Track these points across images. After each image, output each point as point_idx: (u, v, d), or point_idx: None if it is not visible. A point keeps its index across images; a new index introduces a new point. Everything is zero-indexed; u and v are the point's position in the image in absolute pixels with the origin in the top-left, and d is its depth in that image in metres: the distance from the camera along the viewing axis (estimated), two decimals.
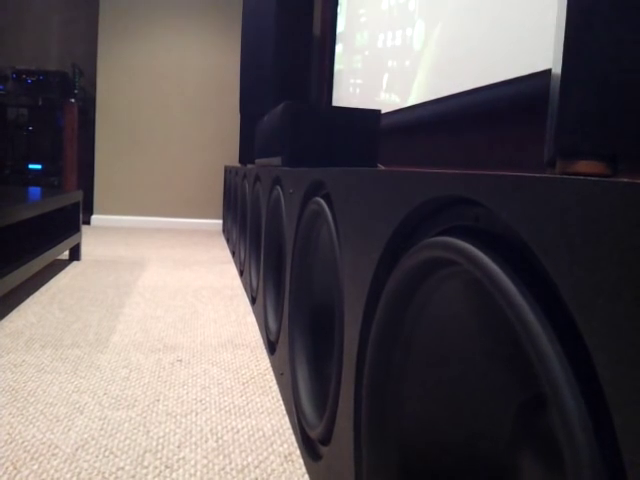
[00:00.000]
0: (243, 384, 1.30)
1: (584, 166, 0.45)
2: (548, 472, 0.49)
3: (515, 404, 0.54)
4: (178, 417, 1.11)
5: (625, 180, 0.29)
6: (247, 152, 3.54)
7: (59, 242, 2.25)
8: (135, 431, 1.04)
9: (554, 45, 0.50)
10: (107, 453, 0.96)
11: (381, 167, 1.59)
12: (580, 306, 0.32)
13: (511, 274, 0.38)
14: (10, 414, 1.08)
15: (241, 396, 1.24)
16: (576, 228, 0.33)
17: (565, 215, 0.34)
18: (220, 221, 4.44)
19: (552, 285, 0.34)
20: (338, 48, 3.11)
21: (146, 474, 0.91)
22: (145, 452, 0.97)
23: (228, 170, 3.73)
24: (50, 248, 2.10)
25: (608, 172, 0.45)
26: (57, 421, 1.06)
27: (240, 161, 3.72)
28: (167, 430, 1.06)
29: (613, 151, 0.44)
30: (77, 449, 0.97)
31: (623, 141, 0.44)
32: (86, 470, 0.90)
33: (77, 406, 1.13)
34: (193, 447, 1.00)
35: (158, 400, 1.18)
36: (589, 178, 0.32)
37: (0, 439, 0.98)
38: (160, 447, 0.99)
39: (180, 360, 1.43)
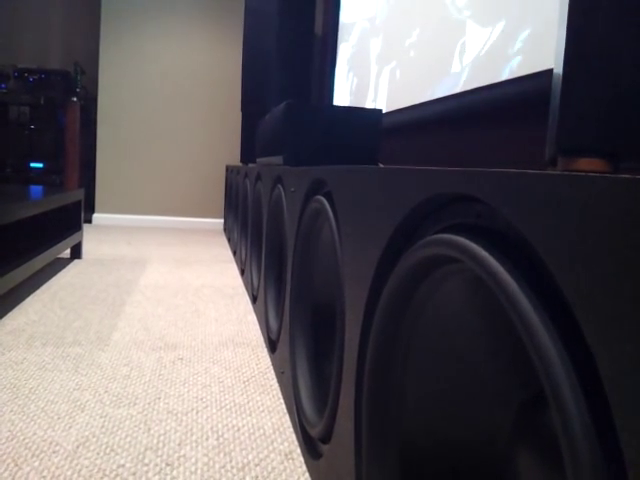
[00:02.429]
0: (244, 382, 1.31)
1: (585, 163, 0.45)
2: (550, 471, 0.49)
3: (517, 403, 0.54)
4: (179, 415, 1.11)
5: (626, 176, 0.29)
6: (248, 151, 3.54)
7: (60, 240, 2.26)
8: (136, 429, 1.04)
9: (556, 44, 0.50)
10: (108, 450, 0.96)
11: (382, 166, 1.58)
12: (581, 303, 0.32)
13: (512, 271, 0.38)
14: (11, 411, 1.08)
15: (242, 394, 1.24)
16: (577, 225, 0.33)
17: (566, 212, 0.34)
18: (221, 220, 4.44)
19: (553, 282, 0.34)
20: (340, 47, 3.11)
21: (147, 471, 0.91)
22: (146, 450, 0.97)
23: (229, 169, 3.73)
24: (51, 246, 2.11)
25: (609, 169, 0.45)
26: (58, 418, 1.06)
27: (241, 160, 3.72)
28: (168, 428, 1.06)
29: (614, 148, 0.44)
30: (78, 446, 0.97)
31: (624, 138, 0.44)
32: (87, 467, 0.91)
33: (78, 404, 1.13)
34: (194, 445, 1.00)
35: (159, 398, 1.18)
36: (590, 175, 0.32)
37: (1, 436, 0.98)
38: (161, 445, 0.99)
39: (181, 358, 1.43)
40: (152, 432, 1.04)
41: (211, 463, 0.95)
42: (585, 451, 0.30)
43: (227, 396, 1.22)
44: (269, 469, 0.95)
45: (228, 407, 1.17)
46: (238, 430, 1.07)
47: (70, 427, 1.03)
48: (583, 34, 0.47)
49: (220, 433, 1.05)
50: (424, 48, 1.86)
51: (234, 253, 3.03)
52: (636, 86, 0.45)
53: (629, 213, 0.29)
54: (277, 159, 1.62)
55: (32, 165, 4.01)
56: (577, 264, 0.32)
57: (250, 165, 2.90)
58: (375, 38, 2.42)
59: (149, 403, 1.16)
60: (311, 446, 0.96)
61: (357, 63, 2.73)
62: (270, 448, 1.02)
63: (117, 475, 0.89)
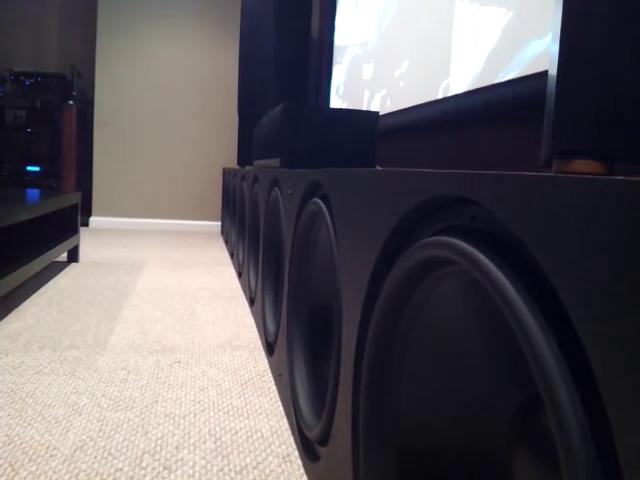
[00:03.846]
0: (241, 385, 1.30)
1: (580, 165, 0.45)
2: (547, 472, 0.49)
3: (514, 404, 0.54)
4: (176, 418, 1.11)
5: (621, 178, 0.29)
6: (245, 154, 3.54)
7: (57, 244, 2.25)
8: (133, 432, 1.04)
9: (551, 47, 0.50)
10: (105, 454, 0.96)
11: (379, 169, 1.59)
12: (577, 305, 0.32)
13: (508, 273, 0.38)
14: (8, 415, 1.08)
15: (239, 397, 1.24)
16: (572, 226, 0.33)
17: (561, 213, 0.34)
18: (219, 223, 4.44)
19: (549, 284, 0.35)
20: (336, 50, 3.12)
21: (144, 475, 0.91)
22: (143, 453, 0.97)
23: (227, 172, 3.73)
24: (48, 250, 2.10)
25: (604, 171, 0.45)
26: (55, 422, 1.06)
27: (238, 163, 3.72)
28: (165, 431, 1.06)
29: (609, 150, 0.45)
30: (75, 450, 0.97)
31: (619, 140, 0.44)
32: (84, 471, 0.90)
33: (75, 407, 1.13)
34: (191, 448, 1.00)
35: (156, 401, 1.18)
36: (585, 177, 0.32)
37: None
38: (158, 448, 0.99)
39: (178, 361, 1.43)
40: (149, 435, 1.03)
41: (209, 466, 0.95)
42: (580, 451, 0.30)
43: (224, 399, 1.22)
44: (267, 472, 0.95)
45: (226, 410, 1.17)
46: (236, 433, 1.07)
47: (67, 431, 1.03)
48: (577, 36, 0.48)
49: (218, 436, 1.05)
50: (422, 49, 1.87)
51: (231, 256, 3.03)
52: (630, 88, 0.45)
53: (624, 215, 0.29)
54: (274, 161, 1.62)
55: (29, 168, 4.00)
56: (572, 266, 0.32)
57: (247, 167, 2.90)
58: (374, 38, 2.43)
59: (146, 406, 1.15)
60: (309, 449, 0.96)
61: (354, 65, 2.73)
62: (268, 451, 1.02)
63: (115, 479, 0.89)
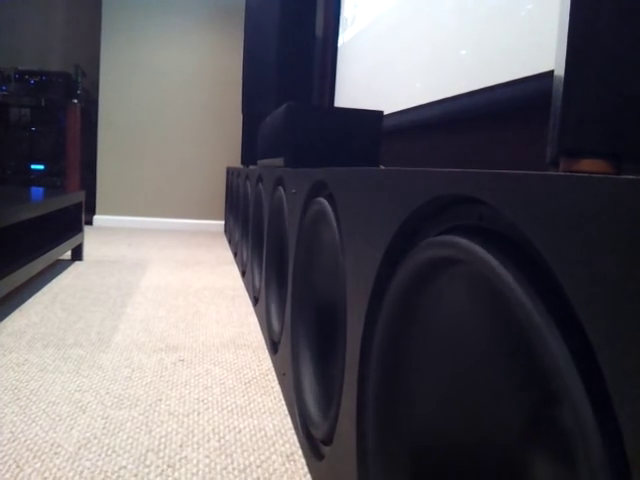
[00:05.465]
0: (245, 384, 1.31)
1: (587, 164, 0.45)
2: (559, 470, 0.49)
3: (522, 403, 0.54)
4: (180, 417, 1.11)
5: (629, 177, 0.29)
6: (249, 153, 3.55)
7: (61, 242, 2.26)
8: (137, 430, 1.04)
9: (557, 46, 0.50)
10: (109, 452, 0.96)
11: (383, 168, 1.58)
12: (584, 303, 0.32)
13: (515, 272, 0.38)
14: (13, 413, 1.08)
15: (243, 396, 1.24)
16: (580, 225, 0.33)
17: (569, 213, 0.34)
18: (222, 222, 4.44)
19: (556, 283, 0.35)
20: (341, 49, 3.12)
21: (148, 473, 0.91)
22: (147, 451, 0.97)
23: (230, 171, 3.74)
24: (52, 248, 2.11)
25: (611, 170, 0.45)
26: (60, 420, 1.06)
27: (242, 162, 3.72)
28: (169, 429, 1.06)
29: (616, 149, 0.44)
30: (79, 448, 0.97)
31: (626, 139, 0.44)
32: (88, 469, 0.91)
33: (80, 405, 1.13)
34: (195, 446, 1.00)
35: (160, 400, 1.18)
36: (592, 176, 0.32)
37: (3, 438, 0.98)
38: (162, 446, 0.99)
39: (182, 360, 1.43)
40: (153, 434, 1.04)
41: (212, 465, 0.95)
42: (589, 449, 0.30)
43: (228, 398, 1.22)
44: (270, 471, 0.95)
45: (229, 409, 1.17)
46: (239, 432, 1.07)
47: (71, 428, 1.03)
48: (584, 35, 0.48)
49: (221, 435, 1.05)
50: (425, 49, 1.86)
51: (235, 255, 3.03)
52: (637, 86, 0.45)
53: (632, 214, 0.29)
54: (278, 161, 1.63)
55: (33, 167, 4.01)
56: (580, 265, 0.32)
57: (251, 167, 2.90)
58: (376, 38, 2.43)
59: (150, 405, 1.16)
60: (313, 447, 0.96)
61: (359, 64, 2.73)
62: (272, 450, 1.02)
63: (119, 477, 0.89)
